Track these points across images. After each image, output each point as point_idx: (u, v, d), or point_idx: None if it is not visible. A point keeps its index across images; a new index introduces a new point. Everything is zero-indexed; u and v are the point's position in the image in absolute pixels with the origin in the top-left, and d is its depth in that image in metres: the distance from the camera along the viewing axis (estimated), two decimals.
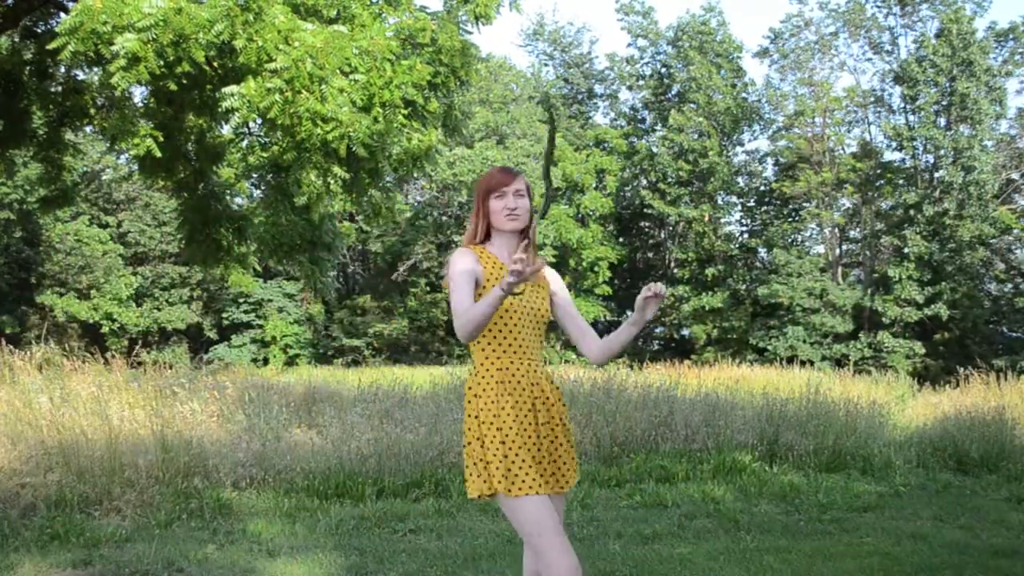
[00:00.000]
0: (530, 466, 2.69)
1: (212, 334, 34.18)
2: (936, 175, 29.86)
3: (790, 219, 33.26)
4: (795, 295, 29.27)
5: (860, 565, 4.74)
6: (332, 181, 6.11)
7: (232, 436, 7.23)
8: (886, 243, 30.80)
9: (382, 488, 6.31)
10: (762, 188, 34.10)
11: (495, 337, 2.80)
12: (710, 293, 31.70)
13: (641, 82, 35.19)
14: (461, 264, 2.83)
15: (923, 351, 28.18)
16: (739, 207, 34.85)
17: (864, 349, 28.71)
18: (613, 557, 4.77)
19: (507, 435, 2.71)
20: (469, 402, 2.82)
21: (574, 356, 31.65)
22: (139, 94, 8.18)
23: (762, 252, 33.60)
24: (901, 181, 30.78)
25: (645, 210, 33.36)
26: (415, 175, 7.37)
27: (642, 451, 7.62)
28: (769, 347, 29.21)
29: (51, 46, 5.45)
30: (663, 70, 34.63)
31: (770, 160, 34.58)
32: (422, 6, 6.74)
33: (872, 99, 32.12)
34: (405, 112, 5.95)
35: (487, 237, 2.95)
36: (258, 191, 11.21)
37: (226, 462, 6.34)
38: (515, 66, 37.60)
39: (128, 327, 32.25)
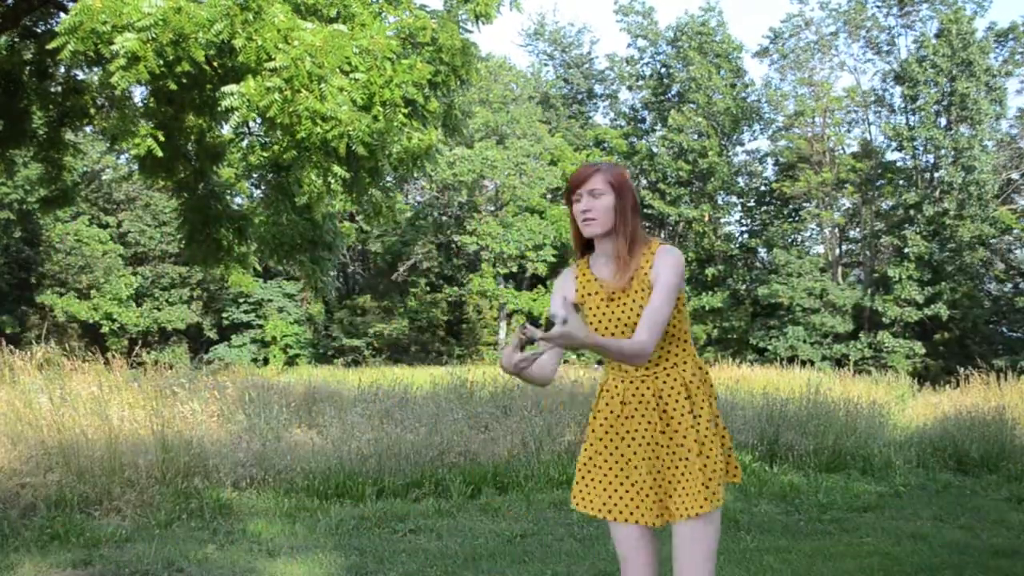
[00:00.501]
0: (601, 487, 2.56)
1: (212, 334, 34.18)
2: (936, 175, 29.86)
3: (790, 219, 33.26)
4: (795, 295, 29.27)
5: (860, 565, 4.74)
6: (332, 180, 6.10)
7: (232, 436, 7.23)
8: (886, 243, 30.80)
9: (382, 488, 6.31)
10: (762, 188, 34.11)
11: None
12: (710, 293, 31.70)
13: (641, 82, 35.19)
14: (555, 287, 2.65)
15: (923, 351, 28.18)
16: (739, 207, 34.87)
17: (864, 349, 28.71)
18: (613, 557, 4.76)
19: (587, 450, 2.61)
20: None
21: (574, 356, 31.64)
22: (139, 94, 8.17)
23: (762, 252, 33.61)
24: (901, 181, 30.78)
25: (645, 210, 33.34)
26: (415, 175, 7.36)
27: None
28: (769, 347, 29.21)
29: (51, 45, 5.44)
30: (663, 70, 34.63)
31: (770, 160, 34.61)
32: (422, 4, 6.73)
33: (872, 99, 32.12)
34: (405, 111, 5.94)
35: (589, 246, 2.63)
36: (258, 191, 11.20)
37: (226, 462, 6.34)
38: (515, 66, 37.61)
39: (128, 327, 32.25)
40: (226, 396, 8.76)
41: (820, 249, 33.75)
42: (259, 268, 11.87)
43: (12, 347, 9.47)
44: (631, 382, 2.54)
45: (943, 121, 29.54)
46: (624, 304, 2.52)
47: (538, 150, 33.36)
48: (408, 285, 34.69)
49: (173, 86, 5.64)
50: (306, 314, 33.93)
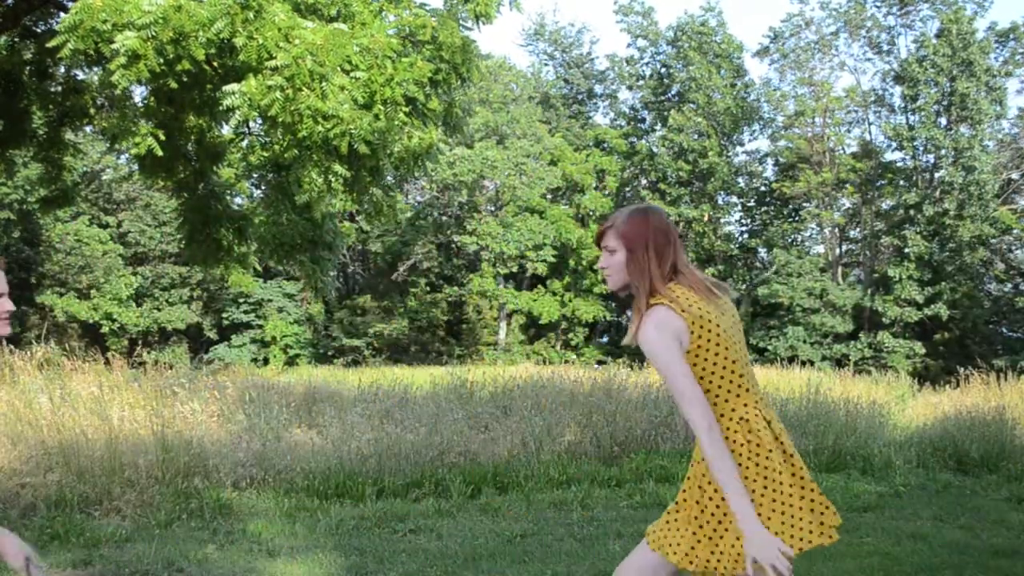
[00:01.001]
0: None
1: (212, 334, 34.18)
2: (936, 175, 29.87)
3: (790, 219, 33.26)
4: (795, 295, 29.28)
5: (860, 565, 4.74)
6: (333, 179, 6.11)
7: (232, 436, 7.23)
8: (886, 243, 30.81)
9: (382, 488, 6.30)
10: (762, 188, 34.11)
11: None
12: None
13: (641, 82, 35.19)
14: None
15: (923, 351, 28.19)
16: (739, 207, 34.88)
17: (864, 349, 28.72)
18: (613, 557, 4.76)
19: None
20: None
21: (574, 356, 31.64)
22: (139, 94, 8.17)
23: (762, 252, 33.61)
24: (901, 181, 30.78)
25: None
26: (416, 174, 7.36)
27: (642, 451, 7.62)
28: (769, 347, 29.22)
29: (51, 44, 5.44)
30: (663, 70, 34.64)
31: (770, 160, 34.62)
32: (422, 3, 6.73)
33: (872, 99, 32.13)
34: (406, 110, 5.94)
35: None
36: (258, 191, 11.21)
37: (226, 462, 6.34)
38: (515, 66, 37.62)
39: (128, 327, 32.25)
40: (226, 396, 8.75)
41: (820, 249, 33.78)
42: (259, 268, 11.87)
43: (12, 347, 9.47)
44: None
45: (943, 121, 29.54)
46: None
47: (538, 150, 33.36)
48: (408, 285, 34.69)
49: (174, 85, 5.65)
50: (306, 314, 33.93)
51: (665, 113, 33.36)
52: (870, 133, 32.86)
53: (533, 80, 37.62)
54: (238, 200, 11.84)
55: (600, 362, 28.21)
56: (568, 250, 33.03)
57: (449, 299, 34.36)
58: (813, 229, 33.91)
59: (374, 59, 5.60)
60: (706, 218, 32.73)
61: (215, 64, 6.22)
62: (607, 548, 5.00)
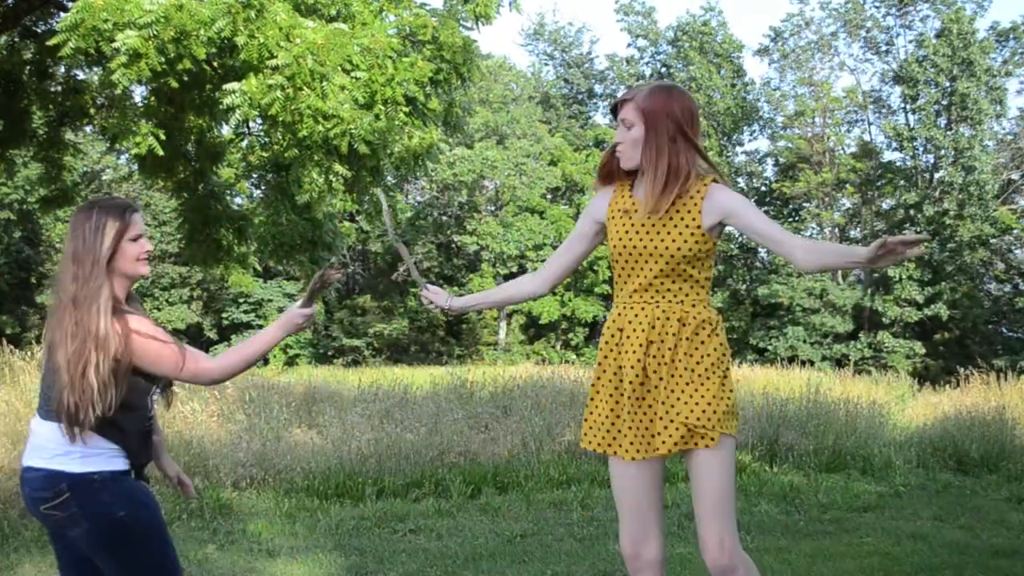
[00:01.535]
0: (599, 421, 2.50)
1: (212, 334, 34.17)
2: (936, 175, 29.88)
3: (790, 219, 33.26)
4: (795, 295, 29.28)
5: (860, 565, 4.74)
6: (333, 179, 6.11)
7: (232, 436, 7.22)
8: None
9: (382, 488, 6.30)
10: (762, 188, 34.12)
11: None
12: (710, 293, 31.71)
13: (641, 82, 35.19)
14: (586, 208, 2.64)
15: (923, 351, 28.19)
16: None
17: (864, 349, 28.72)
18: (613, 557, 4.76)
19: (593, 385, 2.56)
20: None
21: (574, 356, 31.66)
22: (139, 93, 8.17)
23: (762, 252, 33.60)
24: (901, 181, 30.79)
25: None
26: (416, 174, 7.36)
27: None
28: (769, 347, 29.23)
29: (51, 42, 5.44)
30: (663, 70, 34.63)
31: (770, 160, 34.61)
32: (423, 3, 6.74)
33: (872, 99, 32.14)
34: (406, 110, 5.94)
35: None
36: (258, 191, 11.19)
37: (226, 462, 6.34)
38: (515, 66, 37.64)
39: None
40: (226, 396, 8.75)
41: None
42: (259, 268, 11.87)
43: (12, 347, 9.46)
44: (630, 308, 2.46)
45: (943, 121, 29.55)
46: (660, 234, 2.42)
47: (538, 150, 33.37)
48: (408, 285, 34.68)
49: (174, 84, 5.64)
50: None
51: None
52: (870, 133, 32.90)
53: (533, 80, 37.64)
54: (238, 200, 11.83)
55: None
56: None
57: None
58: (813, 229, 33.91)
59: (375, 59, 5.60)
60: None
61: (215, 64, 6.22)
62: (607, 548, 5.00)
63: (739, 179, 34.03)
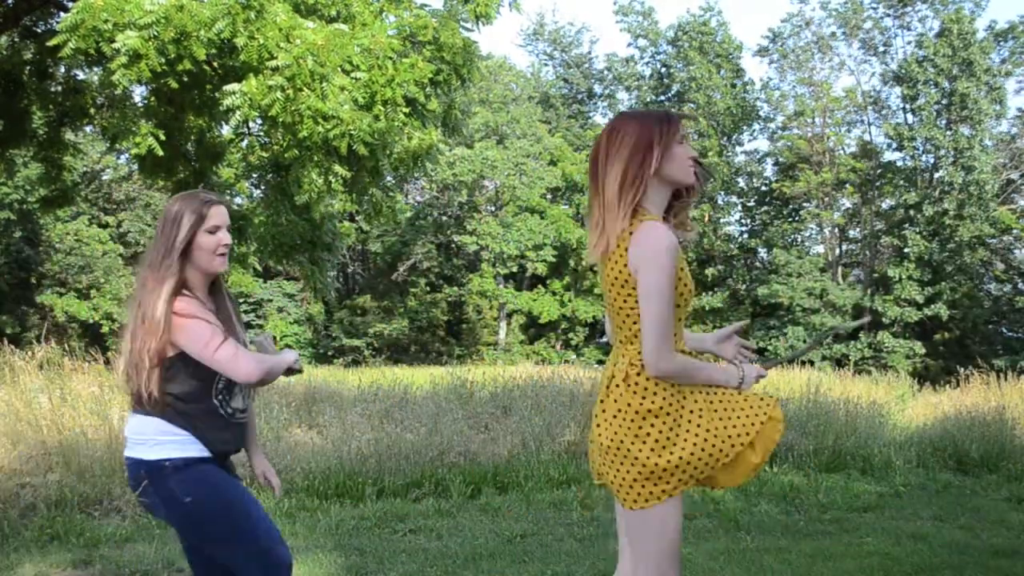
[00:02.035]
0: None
1: None
2: (936, 175, 29.88)
3: (790, 219, 33.27)
4: (795, 295, 29.29)
5: (860, 565, 4.74)
6: (333, 180, 6.11)
7: None
8: (886, 243, 30.82)
9: (382, 488, 6.30)
10: (762, 188, 34.12)
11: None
12: (710, 293, 31.72)
13: (641, 82, 35.20)
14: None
15: (923, 351, 28.19)
16: (739, 207, 34.86)
17: (864, 349, 28.73)
18: (613, 557, 4.76)
19: None
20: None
21: (574, 356, 31.66)
22: (139, 94, 8.18)
23: (762, 252, 33.61)
24: (901, 181, 30.79)
25: None
26: (415, 175, 7.37)
27: None
28: (769, 347, 29.23)
29: (52, 43, 5.45)
30: (663, 70, 34.64)
31: (770, 160, 34.62)
32: (423, 4, 6.74)
33: (871, 99, 32.15)
34: (406, 111, 5.95)
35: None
36: (258, 191, 11.20)
37: None
38: (515, 66, 37.64)
39: None
40: None
41: (820, 249, 33.78)
42: (259, 268, 11.87)
43: (12, 347, 9.46)
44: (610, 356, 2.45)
45: (943, 121, 29.55)
46: (603, 278, 2.40)
47: (538, 150, 33.37)
48: (408, 285, 34.70)
49: (174, 85, 5.65)
50: (306, 314, 33.93)
51: None
52: (870, 133, 32.91)
53: (533, 80, 37.64)
54: (238, 200, 11.84)
55: (600, 362, 28.22)
56: (568, 250, 33.03)
57: (449, 299, 34.37)
58: (813, 229, 33.93)
59: (375, 60, 5.61)
60: (706, 218, 32.72)
61: (215, 64, 6.23)
62: (607, 548, 5.00)
63: (739, 179, 34.05)
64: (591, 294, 33.12)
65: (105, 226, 33.06)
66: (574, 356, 31.66)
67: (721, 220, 34.16)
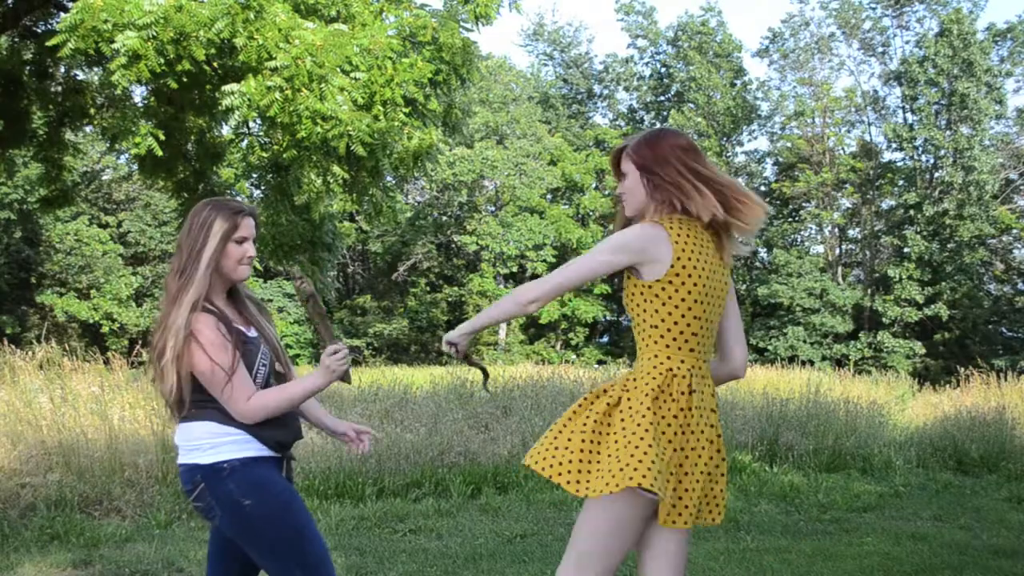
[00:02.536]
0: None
1: None
2: (936, 175, 29.88)
3: (790, 219, 33.27)
4: (795, 295, 29.29)
5: (860, 565, 4.74)
6: (332, 180, 6.11)
7: None
8: (886, 243, 30.81)
9: (382, 488, 6.31)
10: (762, 188, 34.11)
11: None
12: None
13: (640, 82, 35.20)
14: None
15: (923, 351, 28.19)
16: None
17: (864, 349, 28.73)
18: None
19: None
20: None
21: (574, 356, 31.65)
22: (139, 94, 8.18)
23: (762, 252, 33.61)
24: (901, 181, 30.79)
25: None
26: (415, 175, 7.37)
27: None
28: (769, 347, 29.23)
29: (51, 43, 5.45)
30: (663, 70, 34.64)
31: (770, 160, 34.61)
32: (423, 4, 6.74)
33: (871, 100, 32.15)
34: (406, 111, 5.94)
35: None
36: (258, 191, 11.20)
37: None
38: (515, 66, 37.63)
39: (128, 327, 32.23)
40: None
41: (820, 249, 33.78)
42: (259, 268, 11.87)
43: (12, 347, 9.46)
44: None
45: (943, 121, 29.55)
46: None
47: (538, 150, 33.37)
48: (408, 285, 34.70)
49: (174, 85, 5.65)
50: (306, 314, 33.93)
51: (665, 113, 33.36)
52: (870, 133, 32.90)
53: (533, 80, 37.63)
54: (238, 200, 11.84)
55: (600, 362, 28.22)
56: (568, 250, 33.00)
57: (449, 299, 34.36)
58: (813, 229, 33.93)
59: (374, 60, 5.60)
60: None
61: (215, 64, 6.22)
62: None
63: (739, 179, 34.04)
64: (591, 294, 33.12)
65: (105, 226, 33.05)
66: (574, 356, 31.64)
67: None
